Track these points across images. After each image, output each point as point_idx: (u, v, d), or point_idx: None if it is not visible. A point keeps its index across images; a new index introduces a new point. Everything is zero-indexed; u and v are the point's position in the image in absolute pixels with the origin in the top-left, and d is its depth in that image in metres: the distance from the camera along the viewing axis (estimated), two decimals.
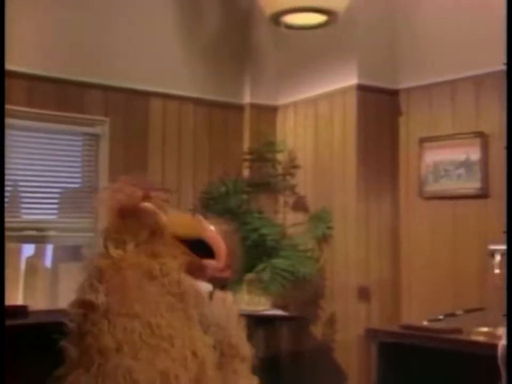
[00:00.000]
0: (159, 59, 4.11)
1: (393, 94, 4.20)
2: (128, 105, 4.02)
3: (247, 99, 4.50)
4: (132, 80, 3.99)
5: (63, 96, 3.75)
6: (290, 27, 3.65)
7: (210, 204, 4.17)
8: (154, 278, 2.06)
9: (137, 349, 1.88)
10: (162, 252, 2.14)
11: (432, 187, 4.01)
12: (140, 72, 4.01)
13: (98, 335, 1.86)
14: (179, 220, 2.30)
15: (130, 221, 2.17)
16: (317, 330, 4.17)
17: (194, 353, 1.97)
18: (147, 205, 2.19)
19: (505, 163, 3.27)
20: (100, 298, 1.92)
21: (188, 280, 2.14)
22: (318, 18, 3.57)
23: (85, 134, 3.91)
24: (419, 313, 3.89)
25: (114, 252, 2.07)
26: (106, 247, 2.10)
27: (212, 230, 2.24)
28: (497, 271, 2.54)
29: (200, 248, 2.20)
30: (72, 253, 3.80)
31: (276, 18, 3.58)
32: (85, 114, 3.84)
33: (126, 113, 4.00)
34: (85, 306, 1.91)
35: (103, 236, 2.12)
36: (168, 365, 1.91)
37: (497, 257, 2.56)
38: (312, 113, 4.34)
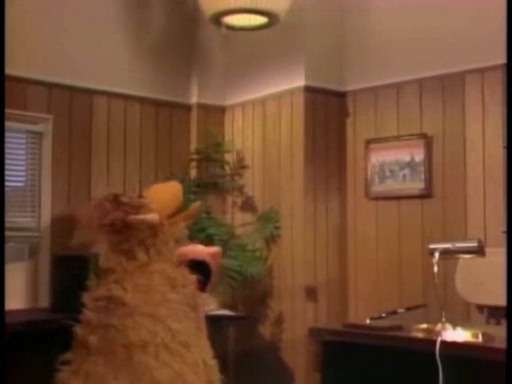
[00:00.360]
0: (104, 57, 4.07)
1: (340, 95, 4.25)
2: (72, 103, 3.96)
3: (194, 99, 4.49)
4: (75, 77, 3.93)
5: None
6: (230, 28, 3.66)
7: None
8: (176, 287, 2.19)
9: (158, 351, 2.01)
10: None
11: (378, 187, 4.07)
12: (84, 70, 3.96)
13: (123, 331, 1.98)
14: (191, 248, 2.41)
15: (127, 233, 2.27)
16: (265, 330, 4.18)
17: (204, 362, 2.12)
18: (135, 217, 2.28)
19: (505, 163, 3.33)
20: (128, 296, 2.04)
21: (200, 294, 2.28)
22: (258, 20, 3.59)
23: (28, 131, 3.83)
24: (365, 311, 3.94)
25: (142, 257, 2.18)
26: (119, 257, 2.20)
27: (213, 254, 2.39)
28: (435, 269, 2.58)
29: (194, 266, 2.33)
30: (15, 253, 3.71)
31: (216, 19, 3.58)
32: (28, 112, 3.77)
33: (69, 111, 3.95)
34: (111, 301, 2.05)
35: (111, 249, 2.21)
36: (183, 369, 2.04)
37: (436, 256, 2.61)
38: (260, 114, 4.36)
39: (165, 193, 2.53)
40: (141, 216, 2.34)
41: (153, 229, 2.27)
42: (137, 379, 1.98)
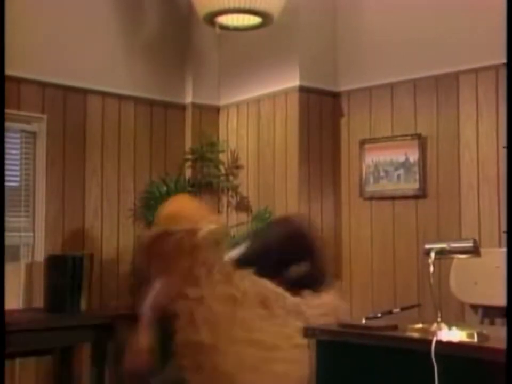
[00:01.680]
0: (98, 57, 4.06)
1: (334, 95, 4.26)
2: (66, 103, 3.96)
3: (189, 99, 4.49)
4: (70, 77, 3.93)
5: None
6: (224, 28, 3.67)
7: (151, 204, 4.14)
8: (236, 301, 2.46)
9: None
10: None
11: (373, 187, 4.08)
12: (78, 69, 3.96)
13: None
14: None
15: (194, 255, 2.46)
16: None
17: (295, 345, 2.41)
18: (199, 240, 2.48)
19: (506, 163, 3.34)
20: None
21: (257, 285, 2.42)
22: (252, 20, 3.60)
23: (22, 131, 3.82)
24: (360, 311, 3.94)
25: (203, 291, 2.48)
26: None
27: None
28: (431, 269, 2.58)
29: None
30: (9, 253, 3.70)
31: (210, 19, 3.59)
32: (22, 111, 3.76)
33: (63, 111, 3.94)
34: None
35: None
36: (282, 369, 2.36)
37: (432, 256, 2.61)
38: (254, 114, 4.36)
39: (191, 208, 2.64)
40: (205, 229, 2.48)
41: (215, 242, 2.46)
42: None
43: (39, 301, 3.66)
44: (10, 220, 3.72)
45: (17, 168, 3.84)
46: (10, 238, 3.69)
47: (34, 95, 3.82)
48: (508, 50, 2.61)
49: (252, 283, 2.58)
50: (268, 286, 2.60)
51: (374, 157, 4.08)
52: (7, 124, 3.61)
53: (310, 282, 2.85)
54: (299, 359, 2.32)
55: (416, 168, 3.88)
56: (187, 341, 2.45)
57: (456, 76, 3.74)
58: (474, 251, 2.64)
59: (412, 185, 3.90)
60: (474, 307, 3.48)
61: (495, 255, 3.26)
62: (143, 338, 2.58)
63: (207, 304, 2.49)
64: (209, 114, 4.55)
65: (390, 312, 2.89)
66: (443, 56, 3.76)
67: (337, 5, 4.25)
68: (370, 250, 4.06)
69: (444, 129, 3.79)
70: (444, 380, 2.28)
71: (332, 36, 4.26)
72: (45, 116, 3.85)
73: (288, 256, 2.90)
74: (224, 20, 3.60)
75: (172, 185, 4.21)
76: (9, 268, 3.51)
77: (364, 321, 2.78)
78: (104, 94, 4.11)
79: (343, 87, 4.24)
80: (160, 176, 4.26)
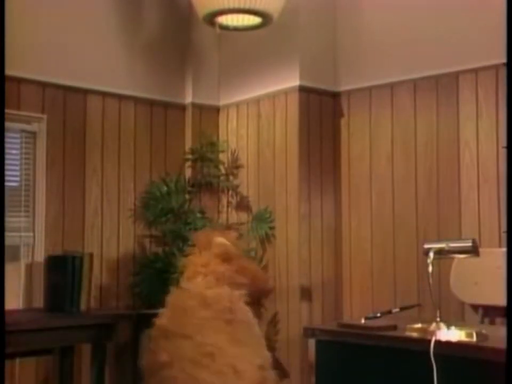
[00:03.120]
0: (98, 57, 4.06)
1: (334, 95, 4.25)
2: (66, 103, 3.95)
3: (189, 99, 4.48)
4: (69, 77, 3.92)
5: None
6: (224, 28, 3.66)
7: (152, 204, 4.15)
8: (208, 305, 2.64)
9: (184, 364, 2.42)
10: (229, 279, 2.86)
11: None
12: (78, 69, 3.96)
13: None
14: None
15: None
16: (260, 330, 4.17)
17: (235, 370, 2.43)
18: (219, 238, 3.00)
19: (506, 163, 3.33)
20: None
21: (241, 309, 2.57)
22: (252, 20, 3.60)
23: (22, 131, 3.83)
24: (360, 311, 3.95)
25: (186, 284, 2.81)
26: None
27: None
28: (430, 269, 2.58)
29: None
30: (9, 253, 3.70)
31: (210, 19, 3.59)
32: (22, 111, 3.76)
33: (63, 111, 3.94)
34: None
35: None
36: (208, 379, 2.38)
37: (431, 256, 2.61)
38: (254, 114, 4.36)
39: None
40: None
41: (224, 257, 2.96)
42: None
43: (39, 301, 3.66)
44: (10, 220, 3.71)
45: (17, 168, 3.84)
46: (10, 238, 3.68)
47: (34, 95, 3.82)
48: (508, 50, 2.61)
49: None
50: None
51: None
52: (7, 124, 3.61)
53: None
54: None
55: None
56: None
57: (456, 75, 3.74)
58: (474, 251, 2.65)
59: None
60: (474, 307, 3.48)
61: (495, 255, 3.26)
62: None
63: None
64: (209, 114, 4.55)
65: (390, 312, 2.90)
66: (443, 56, 3.76)
67: (337, 5, 4.25)
68: (370, 250, 4.06)
69: (444, 129, 3.79)
70: (443, 379, 2.28)
71: (332, 36, 4.26)
72: (45, 116, 3.85)
73: None
74: (224, 19, 3.59)
75: (172, 185, 4.21)
76: (9, 267, 3.51)
77: (363, 321, 2.79)
78: (104, 94, 4.10)
79: (343, 87, 4.24)
80: (160, 176, 4.26)
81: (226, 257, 3.00)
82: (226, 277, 2.90)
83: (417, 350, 2.41)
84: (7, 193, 3.69)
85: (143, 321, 3.66)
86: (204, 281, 2.81)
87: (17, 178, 3.85)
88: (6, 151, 3.73)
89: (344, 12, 4.22)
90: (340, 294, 4.17)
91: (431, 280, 2.59)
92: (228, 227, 3.96)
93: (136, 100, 4.26)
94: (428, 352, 2.31)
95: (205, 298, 2.68)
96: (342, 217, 4.21)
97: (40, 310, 3.61)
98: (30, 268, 3.72)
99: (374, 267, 4.03)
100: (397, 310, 2.94)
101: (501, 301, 2.62)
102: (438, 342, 2.35)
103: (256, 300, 3.15)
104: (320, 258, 4.12)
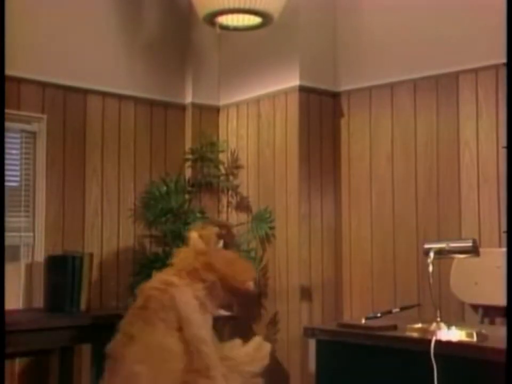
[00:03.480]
0: (98, 57, 4.06)
1: (334, 95, 4.25)
2: (66, 102, 3.95)
3: (189, 99, 4.48)
4: (69, 77, 3.92)
5: None
6: (224, 28, 3.66)
7: (151, 204, 4.15)
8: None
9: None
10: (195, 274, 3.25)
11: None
12: (78, 69, 3.95)
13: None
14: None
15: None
16: (260, 330, 4.17)
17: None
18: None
19: (506, 163, 3.34)
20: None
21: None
22: (252, 20, 3.59)
23: (22, 131, 3.83)
24: (360, 311, 3.95)
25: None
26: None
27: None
28: (430, 269, 2.58)
29: None
30: (9, 253, 3.70)
31: (210, 19, 3.59)
32: (22, 111, 3.76)
33: (63, 111, 3.94)
34: None
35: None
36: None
37: (431, 256, 2.61)
38: (254, 114, 4.36)
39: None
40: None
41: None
42: None
43: (39, 301, 3.66)
44: (10, 220, 3.71)
45: (17, 168, 3.84)
46: (10, 238, 3.68)
47: (34, 95, 3.82)
48: (508, 50, 2.61)
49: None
50: None
51: None
52: (7, 124, 3.62)
53: None
54: None
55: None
56: None
57: (456, 75, 3.74)
58: (474, 251, 2.65)
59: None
60: (475, 307, 3.48)
61: (495, 255, 3.27)
62: None
63: None
64: (209, 114, 4.55)
65: (390, 312, 2.90)
66: (443, 56, 3.76)
67: (337, 5, 4.25)
68: (370, 250, 4.06)
69: (444, 129, 3.79)
70: (443, 379, 2.28)
71: (332, 35, 4.26)
72: (45, 116, 3.85)
73: None
74: (224, 19, 3.59)
75: (172, 185, 4.21)
76: (9, 267, 3.52)
77: (363, 321, 2.79)
78: (104, 94, 4.10)
79: (343, 87, 4.24)
80: (160, 176, 4.26)
81: (199, 252, 3.30)
82: (193, 272, 3.21)
83: (417, 350, 2.42)
84: (7, 193, 3.69)
85: None
86: (171, 273, 3.26)
87: (17, 178, 3.85)
88: (6, 151, 3.73)
89: (344, 12, 4.22)
90: (340, 294, 4.17)
91: (431, 280, 2.60)
92: (223, 223, 3.94)
93: (136, 100, 4.26)
94: (428, 352, 2.31)
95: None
96: (342, 217, 4.21)
97: (40, 310, 3.61)
98: (30, 267, 3.72)
99: (374, 267, 4.03)
100: (397, 310, 2.94)
101: (501, 301, 2.62)
102: (438, 342, 2.35)
103: (237, 300, 3.42)
104: (320, 258, 4.12)
